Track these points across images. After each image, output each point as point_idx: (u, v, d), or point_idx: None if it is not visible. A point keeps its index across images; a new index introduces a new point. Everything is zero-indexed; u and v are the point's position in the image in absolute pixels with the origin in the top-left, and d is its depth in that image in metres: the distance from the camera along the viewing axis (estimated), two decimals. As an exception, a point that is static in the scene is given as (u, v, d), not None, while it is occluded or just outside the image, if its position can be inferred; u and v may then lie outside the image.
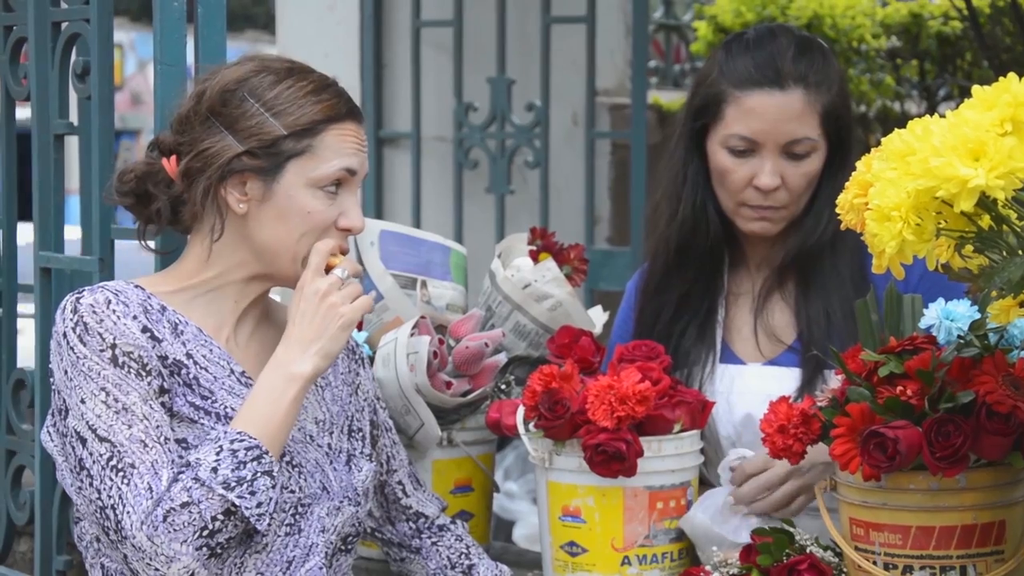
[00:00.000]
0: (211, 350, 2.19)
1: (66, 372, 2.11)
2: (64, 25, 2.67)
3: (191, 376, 2.16)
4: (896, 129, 1.78)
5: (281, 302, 2.38)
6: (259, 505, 2.07)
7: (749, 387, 2.57)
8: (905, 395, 1.97)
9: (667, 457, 2.40)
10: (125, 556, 2.05)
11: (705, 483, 2.55)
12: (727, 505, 2.42)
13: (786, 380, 2.53)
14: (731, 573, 2.25)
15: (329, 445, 2.28)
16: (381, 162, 5.34)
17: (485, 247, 3.54)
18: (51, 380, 2.16)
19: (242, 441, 2.08)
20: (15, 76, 2.84)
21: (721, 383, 2.60)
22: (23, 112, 2.85)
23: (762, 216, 2.55)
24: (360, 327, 2.67)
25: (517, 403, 2.50)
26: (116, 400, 2.08)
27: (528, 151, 5.01)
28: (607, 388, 2.33)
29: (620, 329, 2.76)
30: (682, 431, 2.42)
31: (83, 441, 2.08)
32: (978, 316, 2.01)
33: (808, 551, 2.20)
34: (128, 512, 2.03)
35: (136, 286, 2.19)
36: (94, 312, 2.11)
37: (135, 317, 2.13)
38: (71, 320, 2.12)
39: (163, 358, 2.14)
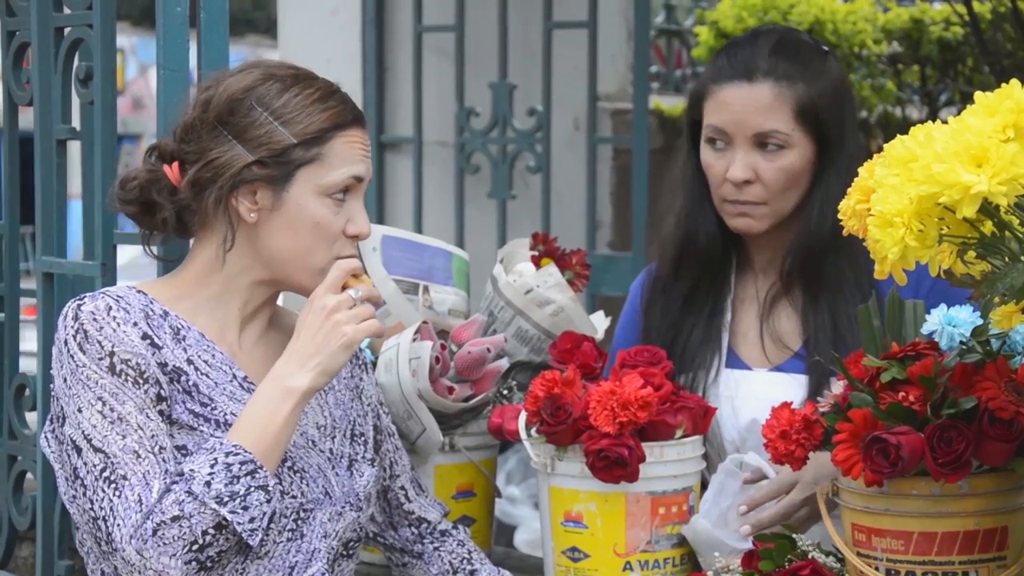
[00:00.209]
0: (213, 355, 2.19)
1: (65, 380, 2.11)
2: (67, 30, 2.68)
3: (191, 383, 2.15)
4: (898, 135, 1.79)
5: (291, 309, 2.37)
6: (252, 520, 2.06)
7: (754, 392, 2.56)
8: (907, 401, 1.96)
9: (669, 463, 2.40)
10: (116, 568, 2.06)
11: (707, 488, 2.55)
12: (730, 510, 2.42)
13: (792, 386, 2.53)
14: (733, 578, 2.26)
15: (331, 450, 2.28)
16: (383, 167, 5.32)
17: (487, 252, 3.54)
18: (52, 386, 2.16)
19: (237, 455, 2.07)
20: (18, 81, 2.84)
21: (726, 388, 2.59)
22: (26, 117, 2.86)
23: (741, 212, 2.56)
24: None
25: (519, 408, 2.50)
26: (112, 410, 2.08)
27: (530, 156, 5.00)
28: (609, 394, 2.34)
29: (623, 331, 2.76)
30: (684, 437, 2.42)
31: (78, 450, 2.08)
32: (980, 322, 2.01)
33: (810, 557, 2.20)
34: (118, 525, 2.03)
35: (138, 291, 2.19)
36: (94, 319, 2.11)
37: (135, 324, 2.13)
38: (72, 327, 2.11)
39: (162, 365, 2.13)
